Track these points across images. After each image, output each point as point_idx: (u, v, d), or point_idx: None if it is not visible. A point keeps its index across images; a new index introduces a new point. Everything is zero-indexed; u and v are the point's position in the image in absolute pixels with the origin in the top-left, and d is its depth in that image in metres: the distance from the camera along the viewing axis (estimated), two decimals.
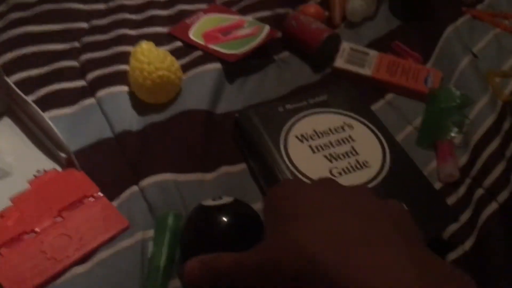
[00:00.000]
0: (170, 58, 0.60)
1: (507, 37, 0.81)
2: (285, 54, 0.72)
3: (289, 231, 0.29)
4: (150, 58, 0.58)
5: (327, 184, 0.33)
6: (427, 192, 0.53)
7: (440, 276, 0.26)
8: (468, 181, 0.58)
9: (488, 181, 0.57)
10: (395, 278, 0.25)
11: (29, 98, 0.55)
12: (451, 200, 0.56)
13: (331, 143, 0.56)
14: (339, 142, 0.56)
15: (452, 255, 0.51)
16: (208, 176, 0.55)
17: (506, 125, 0.64)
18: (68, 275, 0.46)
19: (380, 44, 0.75)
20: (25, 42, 0.66)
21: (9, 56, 0.64)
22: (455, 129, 0.62)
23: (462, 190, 0.57)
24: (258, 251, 0.31)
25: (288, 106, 0.59)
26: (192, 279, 0.36)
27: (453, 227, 0.53)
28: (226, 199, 0.45)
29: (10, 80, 0.57)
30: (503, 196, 0.56)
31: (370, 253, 0.26)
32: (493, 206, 0.55)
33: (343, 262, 0.26)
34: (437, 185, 0.58)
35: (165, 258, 0.45)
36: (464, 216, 0.55)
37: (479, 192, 0.57)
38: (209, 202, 0.45)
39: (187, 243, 0.45)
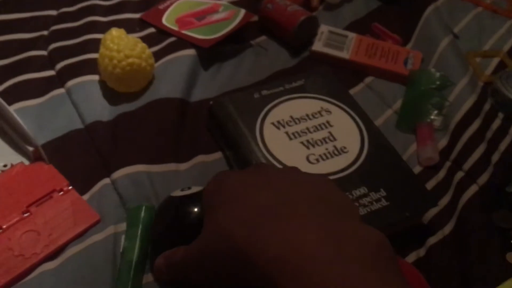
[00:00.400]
0: (140, 45, 0.58)
1: (489, 16, 0.80)
2: (262, 38, 0.70)
3: (215, 218, 0.31)
4: (119, 46, 0.56)
5: (257, 168, 0.35)
6: (406, 178, 0.52)
7: (343, 237, 0.27)
8: (448, 164, 0.57)
9: (468, 163, 0.57)
10: (299, 245, 0.27)
11: None
12: (431, 183, 0.55)
13: (308, 129, 0.55)
14: (317, 128, 0.55)
15: (432, 240, 0.50)
16: (183, 166, 0.54)
17: (486, 107, 0.64)
18: (37, 272, 0.44)
19: (359, 26, 0.74)
20: None
21: None
22: (435, 112, 0.61)
23: (442, 173, 0.56)
24: (197, 241, 0.33)
25: (264, 92, 0.58)
26: (160, 276, 0.37)
27: (432, 212, 0.52)
28: (195, 189, 0.44)
29: None
30: (483, 178, 0.55)
31: (278, 225, 0.28)
32: (473, 189, 0.54)
33: (252, 236, 0.28)
34: (417, 169, 0.57)
35: (137, 252, 0.44)
36: (444, 200, 0.54)
37: (459, 175, 0.56)
38: (178, 193, 0.44)
39: (158, 237, 0.44)
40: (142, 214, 0.46)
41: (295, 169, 0.35)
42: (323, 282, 0.25)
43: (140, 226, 0.46)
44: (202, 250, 0.32)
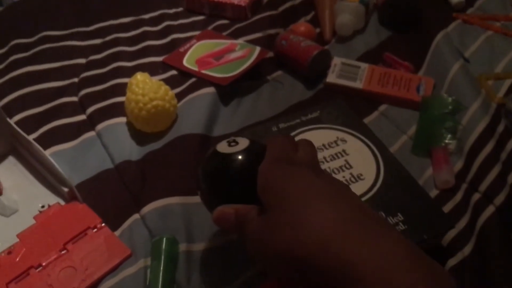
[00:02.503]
0: (164, 88, 0.62)
1: (499, 39, 0.81)
2: (278, 73, 0.74)
3: (294, 215, 0.32)
4: (144, 90, 0.60)
5: (314, 169, 0.37)
6: (422, 201, 0.53)
7: (425, 264, 0.30)
8: (464, 186, 0.58)
9: (484, 184, 0.58)
10: (393, 257, 0.29)
11: (32, 136, 0.58)
12: (448, 206, 0.57)
13: (325, 158, 0.57)
14: (333, 157, 0.57)
15: (452, 261, 0.51)
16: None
17: (500, 128, 0.65)
18: None
19: (371, 56, 0.76)
20: (25, 82, 0.69)
21: (10, 97, 0.67)
22: (449, 136, 0.63)
23: (459, 195, 0.58)
24: (264, 222, 0.34)
25: (282, 125, 0.61)
26: (224, 225, 0.39)
27: (451, 234, 0.53)
28: (242, 143, 0.44)
29: (13, 120, 0.60)
30: (499, 199, 0.56)
31: (369, 237, 0.30)
32: (490, 210, 0.55)
33: (342, 241, 0.30)
34: (434, 192, 0.58)
35: (161, 284, 0.46)
36: (462, 222, 0.55)
37: (476, 196, 0.57)
38: (225, 149, 0.44)
39: (210, 191, 0.44)
40: (163, 246, 0.49)
41: (344, 184, 0.38)
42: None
43: (162, 258, 0.48)
44: (268, 234, 0.33)
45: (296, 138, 0.58)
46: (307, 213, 0.32)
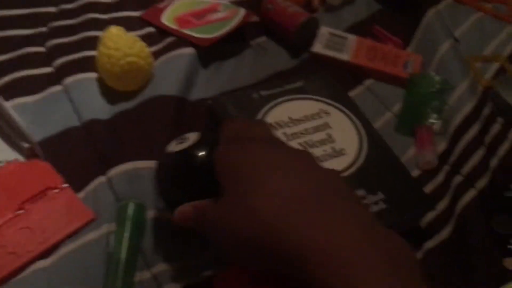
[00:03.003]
0: (139, 44, 0.58)
1: (490, 21, 0.79)
2: (262, 39, 0.70)
3: (241, 195, 0.30)
4: (118, 44, 0.56)
5: (271, 142, 0.35)
6: (404, 181, 0.52)
7: (377, 237, 0.28)
8: (446, 168, 0.57)
9: (467, 168, 0.56)
10: (345, 238, 0.27)
11: None
12: (429, 187, 0.55)
13: (306, 131, 0.54)
14: (315, 130, 0.55)
15: (429, 244, 0.50)
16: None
17: (486, 111, 0.63)
18: (29, 270, 0.44)
19: (360, 29, 0.73)
20: None
21: None
22: (434, 115, 0.61)
23: (440, 177, 0.56)
24: (219, 207, 0.33)
25: (263, 93, 0.57)
26: (184, 222, 0.37)
27: (430, 216, 0.52)
28: (192, 137, 0.43)
29: None
30: (481, 182, 0.55)
31: (319, 216, 0.28)
32: (471, 193, 0.54)
33: (292, 224, 0.28)
34: (416, 172, 0.56)
35: (125, 250, 0.43)
36: (442, 204, 0.54)
37: (458, 179, 0.55)
38: (175, 147, 0.43)
39: (168, 192, 0.44)
40: (130, 211, 0.46)
41: (309, 154, 0.35)
42: (353, 267, 0.26)
43: (128, 224, 0.45)
44: (222, 219, 0.32)
45: (277, 108, 0.56)
46: (257, 192, 0.30)
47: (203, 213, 0.35)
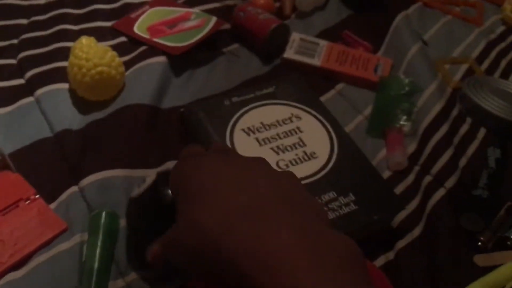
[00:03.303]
0: (110, 54, 0.58)
1: (458, 24, 0.81)
2: (234, 46, 0.71)
3: (188, 211, 0.31)
4: (89, 54, 0.56)
5: (227, 156, 0.34)
6: (374, 182, 0.53)
7: (317, 241, 0.27)
8: (416, 168, 0.58)
9: (436, 167, 0.57)
10: (276, 244, 0.27)
11: None
12: (400, 188, 0.56)
13: (278, 135, 0.55)
14: (287, 134, 0.55)
15: (401, 243, 0.51)
16: (152, 171, 0.53)
17: (454, 112, 0.65)
18: (2, 282, 0.43)
19: (330, 34, 0.75)
20: None
21: None
22: (404, 117, 0.62)
23: (410, 177, 0.57)
24: (170, 233, 0.32)
25: (235, 99, 0.58)
26: (157, 262, 0.36)
27: (401, 215, 0.53)
28: (149, 180, 0.43)
29: None
30: (451, 181, 0.56)
31: (254, 225, 0.28)
32: (441, 192, 0.55)
33: (227, 232, 0.28)
34: (386, 174, 0.57)
35: (98, 260, 0.43)
36: (413, 204, 0.55)
37: (427, 179, 0.57)
38: (135, 192, 0.44)
39: (139, 236, 0.44)
40: (102, 220, 0.46)
41: (263, 161, 0.35)
42: (294, 283, 0.25)
43: (101, 233, 0.45)
44: (174, 240, 0.32)
45: (249, 114, 0.57)
46: (200, 205, 0.30)
47: (168, 243, 0.34)
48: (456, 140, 0.61)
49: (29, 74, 0.61)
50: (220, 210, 0.29)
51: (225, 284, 0.28)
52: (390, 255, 0.50)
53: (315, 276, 0.26)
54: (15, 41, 0.65)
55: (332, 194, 0.50)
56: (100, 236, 0.45)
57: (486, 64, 0.75)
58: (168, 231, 0.34)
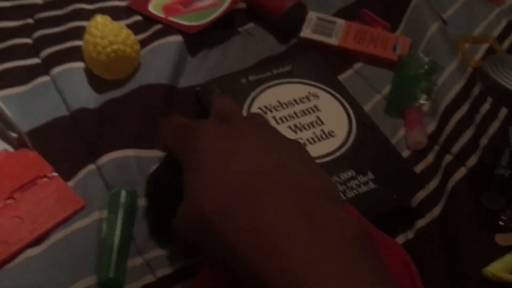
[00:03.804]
0: (125, 31, 0.57)
1: (478, 3, 0.79)
2: (250, 25, 0.70)
3: (191, 186, 0.31)
4: (104, 32, 0.56)
5: (232, 124, 0.34)
6: (394, 160, 0.52)
7: (319, 218, 0.26)
8: (436, 148, 0.57)
9: (457, 147, 0.56)
10: (272, 222, 0.26)
11: None
12: (419, 167, 0.55)
13: (295, 114, 0.54)
14: (304, 113, 0.55)
15: (421, 222, 0.50)
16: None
17: (475, 91, 0.63)
18: (21, 258, 0.44)
19: (347, 13, 0.73)
20: None
21: None
22: (424, 96, 0.61)
23: (430, 157, 0.56)
24: (180, 207, 0.32)
25: (251, 77, 0.57)
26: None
27: (421, 195, 0.52)
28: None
29: None
30: (471, 161, 0.55)
31: (252, 202, 0.27)
32: (461, 172, 0.54)
33: (225, 211, 0.27)
34: (406, 153, 0.56)
35: (118, 237, 0.43)
36: (433, 183, 0.54)
37: (448, 158, 0.56)
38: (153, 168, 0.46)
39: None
40: (122, 198, 0.46)
41: (271, 128, 0.34)
42: (294, 261, 0.24)
43: (120, 211, 0.45)
44: (181, 216, 0.31)
45: (266, 92, 0.56)
46: (199, 184, 0.30)
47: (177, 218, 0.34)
48: (477, 119, 0.60)
49: (44, 53, 0.60)
50: (221, 191, 0.28)
51: (227, 265, 0.27)
52: (410, 234, 0.50)
53: (313, 254, 0.25)
54: (30, 20, 0.65)
55: (350, 173, 0.49)
56: (120, 214, 0.45)
57: (507, 43, 0.73)
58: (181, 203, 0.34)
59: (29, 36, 0.63)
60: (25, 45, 0.62)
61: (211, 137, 0.32)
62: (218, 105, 0.37)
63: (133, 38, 0.58)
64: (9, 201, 0.47)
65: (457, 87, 0.62)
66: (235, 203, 0.27)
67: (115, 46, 0.55)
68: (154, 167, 0.46)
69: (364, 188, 0.48)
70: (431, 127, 0.59)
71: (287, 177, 0.29)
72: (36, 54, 0.61)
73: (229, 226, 0.27)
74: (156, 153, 0.52)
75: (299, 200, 0.28)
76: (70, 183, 0.49)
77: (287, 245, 0.25)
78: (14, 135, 0.50)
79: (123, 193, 0.46)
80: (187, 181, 0.31)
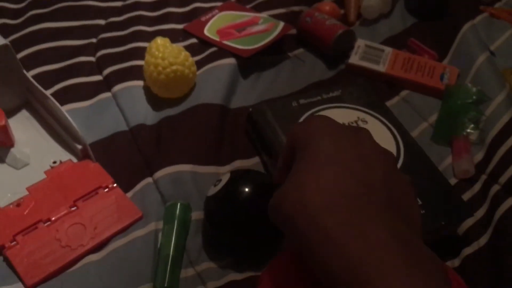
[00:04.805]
0: (184, 54, 0.61)
1: None
2: (300, 50, 0.72)
3: (300, 173, 0.31)
4: (164, 53, 0.59)
5: (356, 133, 0.34)
6: (441, 187, 0.52)
7: (410, 249, 0.27)
8: (483, 177, 0.57)
9: (505, 177, 0.56)
10: (368, 243, 0.27)
11: (47, 92, 0.56)
12: (466, 196, 0.56)
13: None
14: None
15: (467, 250, 0.50)
16: (222, 169, 0.55)
17: None
18: (82, 263, 0.46)
19: (395, 42, 0.75)
20: (43, 37, 0.68)
21: (28, 51, 0.65)
22: (471, 125, 0.61)
23: (477, 186, 0.56)
24: (280, 188, 0.32)
25: (302, 101, 0.59)
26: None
27: (468, 223, 0.52)
28: (224, 179, 0.47)
29: (29, 74, 0.59)
30: None
31: (354, 214, 0.28)
32: (509, 202, 0.54)
33: (327, 216, 0.28)
34: (452, 181, 0.57)
35: (173, 248, 0.45)
36: (480, 212, 0.54)
37: (495, 188, 0.56)
38: (212, 191, 0.47)
39: (220, 232, 0.47)
40: (177, 211, 0.48)
41: (391, 156, 0.34)
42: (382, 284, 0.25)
43: (176, 223, 0.48)
44: (279, 196, 0.31)
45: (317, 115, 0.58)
46: (311, 184, 0.30)
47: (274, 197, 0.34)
48: None
49: (106, 71, 0.64)
50: (327, 188, 0.29)
51: (312, 260, 0.28)
52: (456, 262, 0.50)
53: (406, 280, 0.25)
54: (94, 40, 0.69)
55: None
56: (175, 226, 0.47)
57: None
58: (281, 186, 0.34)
59: (92, 54, 0.67)
60: (89, 63, 0.66)
61: (339, 133, 0.33)
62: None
63: (191, 60, 0.61)
64: (73, 209, 0.50)
65: (505, 118, 0.62)
66: (338, 206, 0.28)
67: (174, 67, 0.58)
68: (213, 187, 0.48)
69: None
70: (478, 156, 0.59)
71: (392, 200, 0.30)
72: (99, 71, 0.65)
73: (334, 223, 0.28)
74: (208, 170, 0.55)
75: (394, 223, 0.29)
76: (128, 195, 0.52)
77: (382, 273, 0.26)
78: (79, 146, 0.53)
79: (178, 206, 0.49)
80: (298, 169, 0.32)
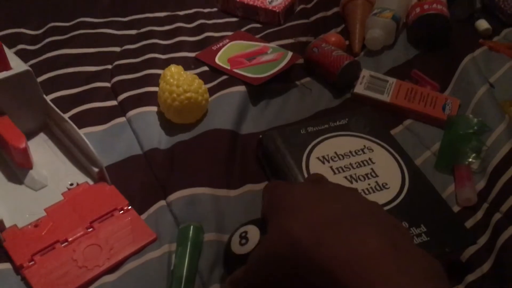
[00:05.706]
0: (198, 81, 0.63)
1: None
2: (307, 79, 0.75)
3: (281, 224, 0.34)
4: (179, 81, 0.61)
5: (317, 182, 0.38)
6: (445, 215, 0.54)
7: (406, 253, 0.30)
8: (485, 205, 0.59)
9: (506, 205, 0.58)
10: (366, 251, 0.29)
11: (65, 116, 0.58)
12: (469, 223, 0.57)
13: (351, 165, 0.58)
14: (359, 164, 0.58)
15: (470, 277, 0.52)
16: (233, 192, 0.57)
17: None
18: (98, 283, 0.48)
19: (398, 72, 0.77)
20: (61, 63, 0.70)
21: (45, 76, 0.68)
22: (473, 155, 0.63)
23: (479, 214, 0.58)
24: (259, 248, 0.36)
25: (310, 129, 0.62)
26: None
27: (471, 250, 0.54)
28: (252, 236, 0.41)
29: (47, 98, 0.61)
30: None
31: (344, 234, 0.31)
32: (510, 231, 0.56)
33: (321, 242, 0.31)
34: (455, 209, 0.59)
35: (186, 269, 0.47)
36: (482, 239, 0.55)
37: (497, 216, 0.57)
38: (240, 250, 0.42)
39: None
40: (190, 234, 0.50)
41: (354, 190, 0.38)
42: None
43: (189, 245, 0.49)
44: (265, 254, 0.34)
45: (324, 143, 0.60)
46: (291, 220, 0.33)
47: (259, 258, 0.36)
48: None
49: (121, 97, 0.67)
50: (312, 222, 0.32)
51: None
52: None
53: (405, 281, 0.28)
54: (109, 66, 0.72)
55: (404, 224, 0.52)
56: (188, 247, 0.49)
57: None
58: (255, 249, 0.37)
59: (108, 80, 0.69)
60: (104, 88, 0.68)
61: (304, 189, 0.36)
62: (310, 176, 0.43)
63: (204, 87, 0.64)
64: (89, 230, 0.51)
65: (506, 148, 0.64)
66: (331, 235, 0.31)
67: (188, 94, 0.61)
68: (239, 245, 0.42)
69: (417, 240, 0.51)
70: (480, 185, 0.61)
71: (373, 217, 0.33)
72: (114, 97, 0.67)
73: (323, 252, 0.30)
74: (220, 193, 0.56)
75: (384, 230, 0.31)
76: (143, 217, 0.54)
77: (379, 269, 0.28)
78: (95, 169, 0.55)
79: (191, 229, 0.50)
80: (275, 220, 0.35)
